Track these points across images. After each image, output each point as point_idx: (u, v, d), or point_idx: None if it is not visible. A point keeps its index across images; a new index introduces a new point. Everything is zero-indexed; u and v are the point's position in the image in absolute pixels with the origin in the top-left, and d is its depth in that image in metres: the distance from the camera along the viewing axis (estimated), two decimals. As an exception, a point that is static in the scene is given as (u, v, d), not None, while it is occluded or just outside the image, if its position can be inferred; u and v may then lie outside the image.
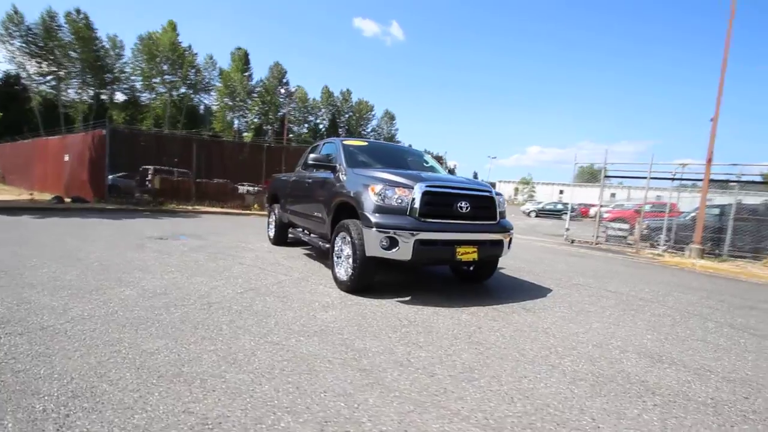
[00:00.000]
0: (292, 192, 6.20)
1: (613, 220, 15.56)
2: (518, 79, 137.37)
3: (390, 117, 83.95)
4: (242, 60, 59.81)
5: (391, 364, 2.50)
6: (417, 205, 3.75)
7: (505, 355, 2.76)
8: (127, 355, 2.37)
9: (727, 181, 11.47)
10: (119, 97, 53.36)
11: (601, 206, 14.25)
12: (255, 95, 63.63)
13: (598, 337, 3.30)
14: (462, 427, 1.87)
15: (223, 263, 5.15)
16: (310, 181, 5.43)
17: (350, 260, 4.05)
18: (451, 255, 3.85)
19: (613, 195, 29.68)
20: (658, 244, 11.83)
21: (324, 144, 5.70)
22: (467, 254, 3.91)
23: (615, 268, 7.60)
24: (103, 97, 51.07)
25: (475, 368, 2.52)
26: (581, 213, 32.07)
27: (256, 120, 65.42)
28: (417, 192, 3.77)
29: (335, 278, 4.32)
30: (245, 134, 63.07)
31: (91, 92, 49.48)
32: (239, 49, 60.12)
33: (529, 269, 6.35)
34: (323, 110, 75.45)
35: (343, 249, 4.22)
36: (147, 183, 14.30)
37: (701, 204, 10.63)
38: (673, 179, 12.07)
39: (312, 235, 5.43)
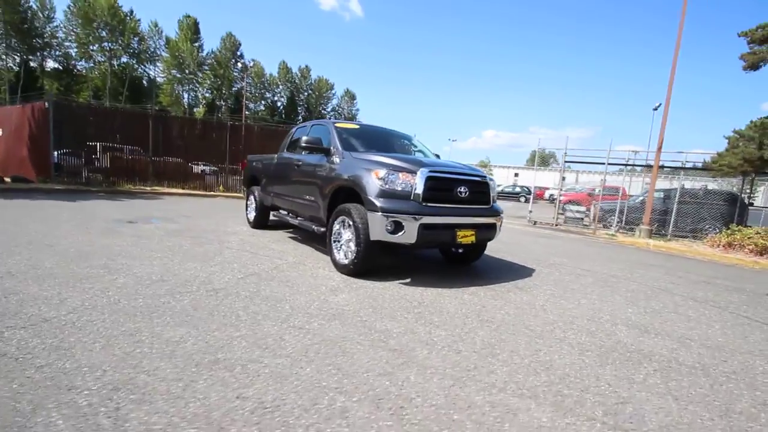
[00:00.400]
0: (278, 175, 6.05)
1: (567, 202, 16.51)
2: (475, 61, 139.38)
3: (350, 96, 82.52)
4: (191, 29, 55.75)
5: (418, 343, 2.61)
6: (420, 189, 3.83)
7: (516, 331, 2.96)
8: (152, 344, 2.29)
9: (674, 168, 12.53)
10: (51, 65, 48.16)
11: (561, 190, 15.05)
12: (206, 68, 59.90)
13: (588, 312, 3.61)
14: (502, 397, 2.03)
15: (210, 248, 4.99)
16: (299, 164, 5.32)
17: (351, 244, 4.08)
18: (452, 238, 4.00)
19: (563, 179, 31.54)
20: (611, 225, 12.80)
21: (312, 126, 5.58)
22: (466, 237, 4.08)
23: (580, 248, 8.18)
24: (32, 64, 45.85)
25: (494, 344, 2.69)
26: (537, 195, 33.66)
27: (207, 95, 61.80)
28: (420, 177, 3.85)
29: (334, 262, 4.34)
30: (196, 110, 59.52)
31: (17, 58, 44.23)
32: (188, 17, 55.93)
33: (507, 250, 6.69)
34: (281, 87, 72.65)
35: (342, 233, 4.23)
36: (95, 161, 13.22)
37: (651, 188, 11.58)
38: (626, 165, 13.00)
39: (300, 219, 5.36)
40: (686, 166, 11.91)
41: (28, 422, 1.57)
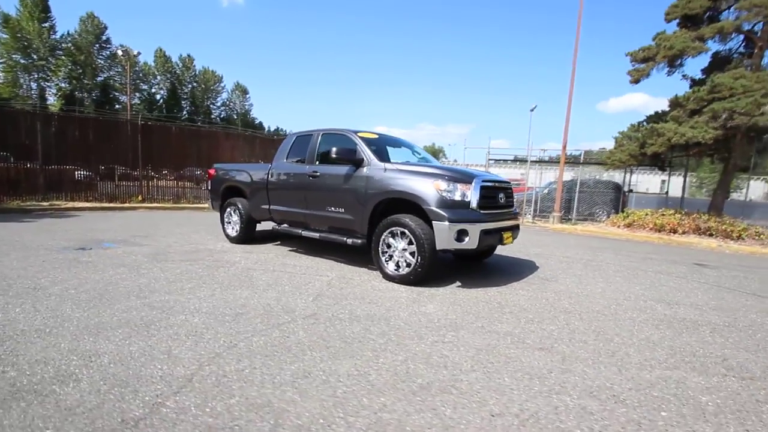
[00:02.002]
0: (281, 186, 5.69)
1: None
2: (365, 58, 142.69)
3: (242, 90, 77.51)
4: (38, 6, 45.95)
5: (549, 340, 2.93)
6: (476, 198, 4.12)
7: (592, 317, 3.48)
8: (335, 384, 2.18)
9: (576, 162, 14.93)
10: None
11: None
12: (61, 53, 50.13)
13: (619, 294, 4.34)
14: (635, 374, 2.47)
15: (229, 271, 4.54)
16: (316, 174, 5.11)
17: (407, 254, 4.18)
18: (500, 240, 4.39)
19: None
20: (527, 214, 14.73)
21: (322, 135, 5.37)
22: (508, 239, 4.51)
23: (531, 236, 9.36)
24: None
25: (597, 330, 3.15)
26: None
27: (64, 85, 51.77)
28: (475, 186, 4.13)
29: (385, 273, 4.37)
30: (51, 103, 49.44)
31: None
32: (32, -10, 45.89)
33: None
34: (159, 78, 64.61)
35: (394, 244, 4.30)
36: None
37: (559, 180, 13.64)
38: (540, 161, 15.04)
39: (320, 232, 5.19)
40: (589, 160, 14.28)
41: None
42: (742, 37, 11.32)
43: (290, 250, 5.98)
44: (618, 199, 14.33)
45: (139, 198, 12.16)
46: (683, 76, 12.73)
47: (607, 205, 14.48)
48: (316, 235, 5.19)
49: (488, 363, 2.50)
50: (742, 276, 5.65)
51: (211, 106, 73.77)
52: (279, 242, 6.65)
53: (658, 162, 12.59)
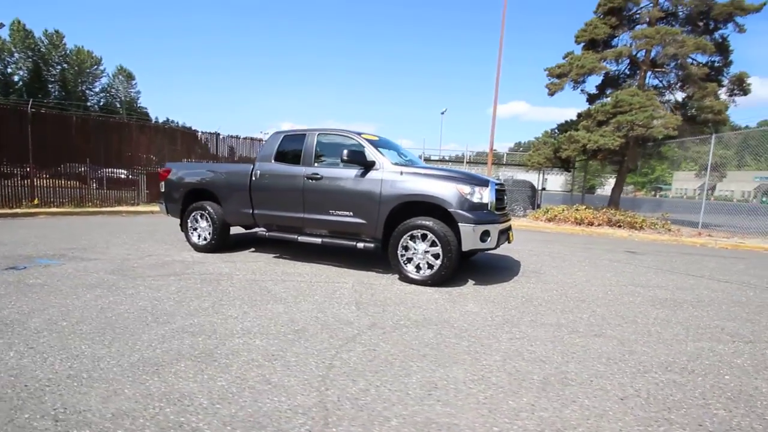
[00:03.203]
0: (272, 189, 5.24)
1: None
2: (276, 55, 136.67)
3: (127, 75, 68.04)
4: None
5: (594, 327, 3.29)
6: (492, 200, 4.38)
7: (603, 304, 3.98)
8: (469, 392, 2.21)
9: (500, 163, 16.42)
10: None
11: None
12: None
13: (602, 281, 4.98)
14: (678, 348, 2.98)
15: (235, 285, 4.12)
16: (317, 177, 4.86)
17: (429, 256, 4.27)
18: (507, 239, 4.72)
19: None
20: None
21: (319, 134, 5.09)
22: (511, 236, 4.87)
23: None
24: None
25: (611, 316, 3.64)
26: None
27: None
28: (491, 189, 4.38)
29: (405, 275, 4.39)
30: None
31: None
32: None
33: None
34: (18, 56, 53.52)
35: (413, 246, 4.34)
36: None
37: (488, 180, 14.93)
38: (466, 161, 16.21)
39: (322, 237, 4.97)
40: (510, 161, 15.81)
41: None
42: (628, 60, 13.69)
43: (275, 257, 5.59)
44: (533, 196, 16.22)
45: (35, 202, 10.02)
46: (581, 90, 14.95)
47: (525, 202, 16.26)
48: (318, 240, 4.96)
49: (571, 354, 2.74)
50: (667, 260, 6.92)
51: (88, 91, 63.54)
52: (253, 249, 6.16)
53: (567, 164, 14.57)
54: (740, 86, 12.22)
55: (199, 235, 5.83)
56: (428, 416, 1.93)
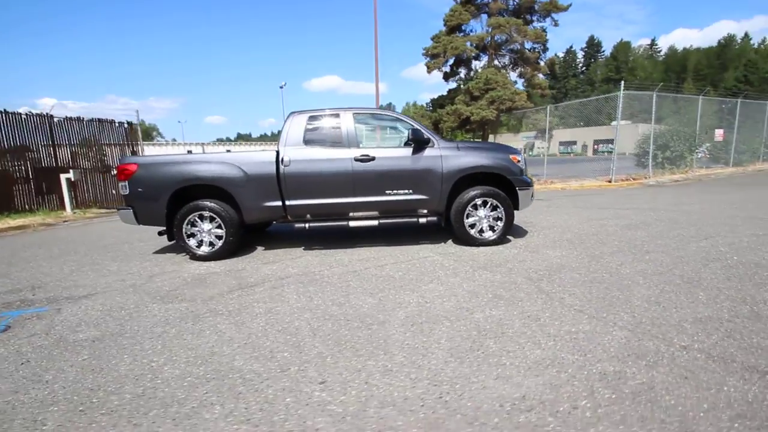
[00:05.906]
0: (317, 175, 4.74)
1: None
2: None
3: None
4: None
5: (633, 267, 4.58)
6: (525, 166, 5.24)
7: (613, 241, 5.42)
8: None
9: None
10: None
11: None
12: None
13: (581, 220, 6.52)
14: (680, 315, 4.58)
15: (326, 289, 3.87)
16: (378, 158, 4.72)
17: (490, 219, 4.88)
18: (531, 199, 5.71)
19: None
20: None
21: (354, 114, 4.82)
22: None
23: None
24: None
25: (633, 252, 5.09)
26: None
27: None
28: (522, 157, 5.23)
29: (474, 240, 4.84)
30: None
31: None
32: None
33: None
34: None
35: (474, 214, 4.85)
36: None
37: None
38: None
39: (379, 218, 4.92)
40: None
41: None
42: (475, 44, 16.39)
43: (305, 249, 5.15)
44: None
45: None
46: (438, 69, 17.19)
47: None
48: (374, 222, 4.90)
49: (650, 299, 3.89)
50: (573, 203, 9.19)
51: None
52: (263, 247, 5.45)
53: (445, 135, 16.76)
54: (551, 67, 16.35)
55: (200, 242, 4.83)
56: (696, 316, 2.68)
